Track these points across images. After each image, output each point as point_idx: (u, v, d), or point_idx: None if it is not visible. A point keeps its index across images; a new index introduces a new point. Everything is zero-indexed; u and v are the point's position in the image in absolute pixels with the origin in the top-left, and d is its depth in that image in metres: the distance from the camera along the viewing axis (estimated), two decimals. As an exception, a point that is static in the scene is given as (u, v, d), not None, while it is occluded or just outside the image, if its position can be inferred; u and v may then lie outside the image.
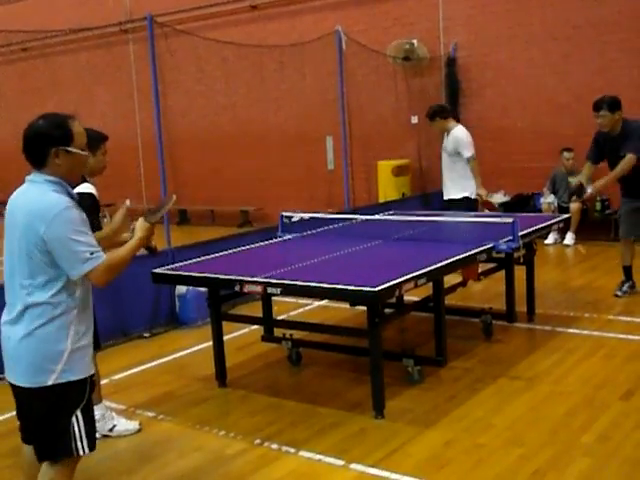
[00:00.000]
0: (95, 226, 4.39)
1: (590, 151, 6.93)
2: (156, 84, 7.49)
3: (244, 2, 13.25)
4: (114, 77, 15.18)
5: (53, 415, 3.02)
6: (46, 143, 2.96)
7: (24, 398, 3.07)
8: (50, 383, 2.97)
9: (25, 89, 16.88)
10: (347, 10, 12.26)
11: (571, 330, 6.09)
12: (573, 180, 6.98)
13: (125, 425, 4.60)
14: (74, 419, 3.03)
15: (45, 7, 15.88)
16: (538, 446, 4.03)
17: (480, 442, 4.13)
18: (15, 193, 3.09)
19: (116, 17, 14.70)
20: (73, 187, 3.18)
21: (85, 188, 4.30)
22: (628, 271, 7.05)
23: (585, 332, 6.03)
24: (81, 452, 3.07)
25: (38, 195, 2.96)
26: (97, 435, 4.39)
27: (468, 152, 7.63)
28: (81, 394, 3.06)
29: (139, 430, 4.61)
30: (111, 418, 4.60)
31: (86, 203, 4.21)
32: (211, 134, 14.13)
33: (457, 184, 7.71)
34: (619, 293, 6.96)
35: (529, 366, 5.31)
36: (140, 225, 3.34)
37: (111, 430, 4.56)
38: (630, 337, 5.83)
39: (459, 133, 7.73)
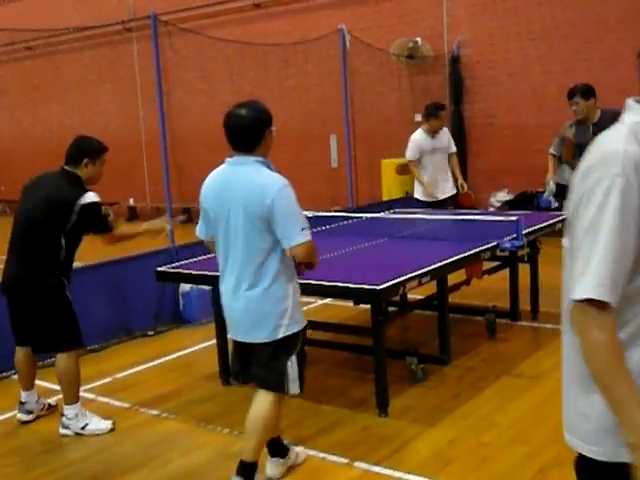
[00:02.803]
0: (105, 228, 4.48)
1: (557, 146, 6.89)
2: (160, 82, 7.49)
3: (247, 0, 13.24)
4: (118, 75, 15.20)
5: (275, 359, 3.52)
6: (263, 125, 3.42)
7: (256, 351, 3.54)
8: (280, 336, 3.46)
9: (29, 87, 16.91)
10: (351, 8, 12.24)
11: (575, 328, 6.07)
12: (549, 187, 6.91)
13: (97, 424, 4.59)
14: (289, 363, 3.53)
15: (49, 6, 15.89)
16: (543, 444, 4.02)
17: (484, 440, 4.13)
18: (219, 175, 3.51)
19: (120, 16, 14.72)
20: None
21: (92, 198, 4.42)
22: None
23: (589, 330, 6.01)
24: (291, 392, 3.59)
25: (257, 172, 3.38)
26: (69, 432, 4.51)
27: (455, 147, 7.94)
28: (298, 342, 3.56)
29: (112, 430, 4.59)
30: (84, 416, 4.59)
31: (97, 212, 4.46)
32: (215, 132, 14.01)
33: (450, 181, 7.86)
34: None
35: (533, 364, 5.30)
36: None
37: (83, 428, 4.55)
38: (634, 335, 5.82)
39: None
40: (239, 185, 3.38)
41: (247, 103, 3.47)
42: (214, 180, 3.55)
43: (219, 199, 3.46)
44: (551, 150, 7.08)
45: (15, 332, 4.65)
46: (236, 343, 3.68)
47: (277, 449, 3.86)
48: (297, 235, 3.33)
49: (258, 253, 3.37)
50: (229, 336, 3.76)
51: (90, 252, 4.77)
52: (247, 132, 3.40)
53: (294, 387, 3.57)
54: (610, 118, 7.21)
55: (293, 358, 3.53)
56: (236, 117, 3.41)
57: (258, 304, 3.43)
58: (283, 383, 3.56)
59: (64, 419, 4.57)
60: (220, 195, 3.45)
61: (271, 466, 3.84)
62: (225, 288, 3.56)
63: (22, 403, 4.80)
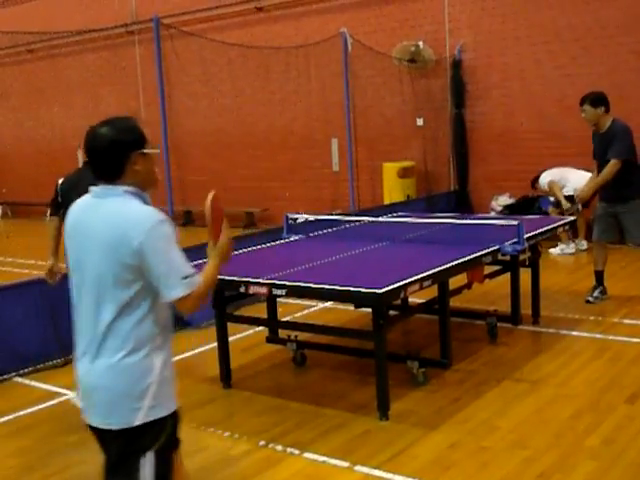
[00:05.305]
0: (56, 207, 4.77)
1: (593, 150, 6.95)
2: (162, 85, 7.52)
3: (250, 4, 13.26)
4: (120, 78, 15.22)
5: (125, 458, 2.67)
6: (123, 150, 2.63)
7: (103, 439, 2.72)
8: (137, 423, 2.60)
9: (31, 90, 16.95)
10: (353, 12, 12.26)
11: (576, 333, 6.08)
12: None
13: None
14: (141, 462, 2.64)
15: (51, 9, 15.93)
16: (543, 449, 4.02)
17: (485, 445, 4.12)
18: (78, 212, 2.71)
19: (122, 19, 14.75)
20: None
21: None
22: (599, 276, 7.00)
23: (590, 335, 6.02)
24: None
25: (123, 206, 2.61)
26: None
27: None
28: (162, 434, 2.67)
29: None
30: None
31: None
32: (216, 135, 14.15)
33: None
34: (590, 299, 6.91)
35: (534, 369, 5.30)
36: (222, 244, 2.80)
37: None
38: (635, 340, 5.82)
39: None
40: (100, 221, 2.60)
41: (112, 119, 2.70)
42: (73, 214, 2.75)
43: (76, 239, 2.70)
44: None
45: None
46: (91, 428, 2.75)
47: None
48: (177, 286, 2.58)
49: (112, 310, 2.59)
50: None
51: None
52: (104, 157, 2.63)
53: None
54: (619, 128, 7.20)
55: (149, 455, 2.63)
56: (94, 137, 2.66)
57: (108, 379, 2.60)
58: None
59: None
60: (78, 233, 2.69)
61: None
62: (77, 355, 2.72)
63: None
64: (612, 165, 6.55)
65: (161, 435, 2.66)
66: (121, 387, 2.60)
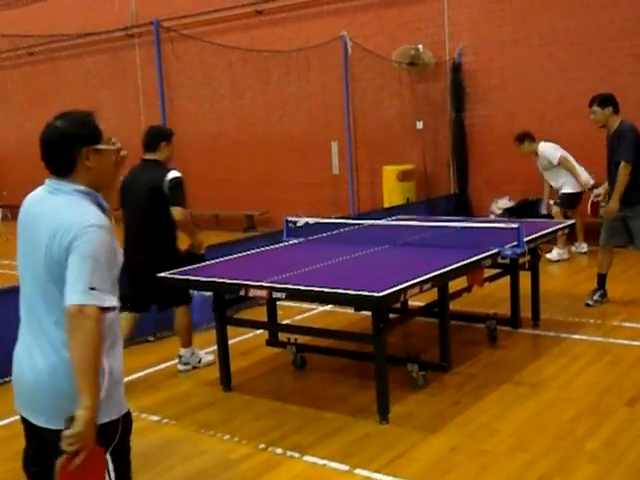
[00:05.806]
0: (181, 202, 5.38)
1: None
2: (162, 88, 7.52)
3: (250, 7, 13.28)
4: (120, 81, 15.24)
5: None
6: (74, 144, 2.54)
7: (43, 440, 2.58)
8: None
9: (31, 93, 16.97)
10: (353, 15, 12.28)
11: (576, 336, 6.08)
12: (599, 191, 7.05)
13: (206, 358, 5.82)
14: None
15: (52, 12, 15.95)
16: (543, 452, 4.02)
17: (485, 448, 4.13)
18: (30, 202, 2.68)
19: (122, 22, 14.77)
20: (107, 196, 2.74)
21: (176, 173, 5.39)
22: (602, 279, 6.98)
23: (590, 338, 6.02)
24: None
25: (68, 205, 2.53)
26: (189, 367, 5.78)
27: None
28: (116, 433, 2.56)
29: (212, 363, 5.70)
30: (198, 354, 5.79)
31: (180, 183, 5.38)
32: (216, 139, 14.16)
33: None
34: (590, 302, 6.89)
35: (534, 372, 5.30)
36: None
37: (199, 362, 5.78)
38: (635, 343, 5.82)
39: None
40: (46, 216, 2.55)
41: (67, 113, 2.62)
42: (25, 204, 2.71)
43: (24, 230, 2.66)
44: None
45: (138, 300, 5.60)
46: (24, 422, 2.70)
47: None
48: (78, 292, 2.38)
49: (50, 305, 2.51)
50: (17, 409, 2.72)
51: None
52: (55, 150, 2.56)
53: None
54: (626, 129, 7.18)
55: (107, 457, 2.53)
56: (47, 129, 2.58)
57: (52, 378, 2.50)
58: None
59: (183, 358, 5.73)
60: (25, 224, 2.66)
61: None
62: (17, 349, 2.67)
63: (179, 356, 5.83)
64: (623, 168, 6.51)
65: (114, 437, 2.55)
66: (66, 388, 2.45)
